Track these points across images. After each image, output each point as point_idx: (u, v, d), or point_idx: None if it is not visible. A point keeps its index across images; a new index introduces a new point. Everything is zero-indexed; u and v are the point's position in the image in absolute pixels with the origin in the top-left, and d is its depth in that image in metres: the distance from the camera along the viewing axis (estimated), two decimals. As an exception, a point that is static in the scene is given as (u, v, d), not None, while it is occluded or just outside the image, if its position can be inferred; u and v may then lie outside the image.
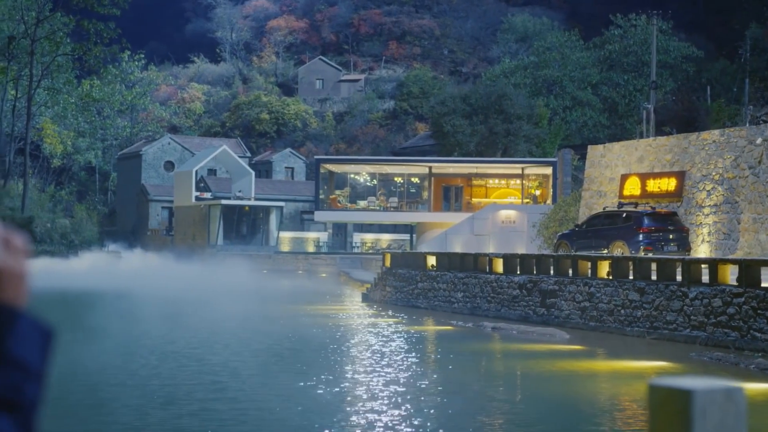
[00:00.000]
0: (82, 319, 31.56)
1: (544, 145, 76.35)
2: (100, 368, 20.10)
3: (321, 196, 67.68)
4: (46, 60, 77.54)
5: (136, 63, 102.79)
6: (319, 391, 17.85)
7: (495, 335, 29.42)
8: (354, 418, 15.55)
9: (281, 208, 76.62)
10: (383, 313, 35.95)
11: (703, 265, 26.14)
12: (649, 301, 26.92)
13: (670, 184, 39.07)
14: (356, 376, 20.31)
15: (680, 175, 38.69)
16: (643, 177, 40.47)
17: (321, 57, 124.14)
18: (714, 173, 37.22)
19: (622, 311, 27.76)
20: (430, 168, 67.25)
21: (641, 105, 63.41)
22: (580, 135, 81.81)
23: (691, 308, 25.48)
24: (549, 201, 60.63)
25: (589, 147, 46.24)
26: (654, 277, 27.20)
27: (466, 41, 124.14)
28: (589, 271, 29.61)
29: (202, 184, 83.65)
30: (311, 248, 73.06)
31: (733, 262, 25.38)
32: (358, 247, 73.74)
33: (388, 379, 19.76)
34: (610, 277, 28.61)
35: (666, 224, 34.51)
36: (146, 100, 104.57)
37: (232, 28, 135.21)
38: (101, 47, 79.90)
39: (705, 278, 25.68)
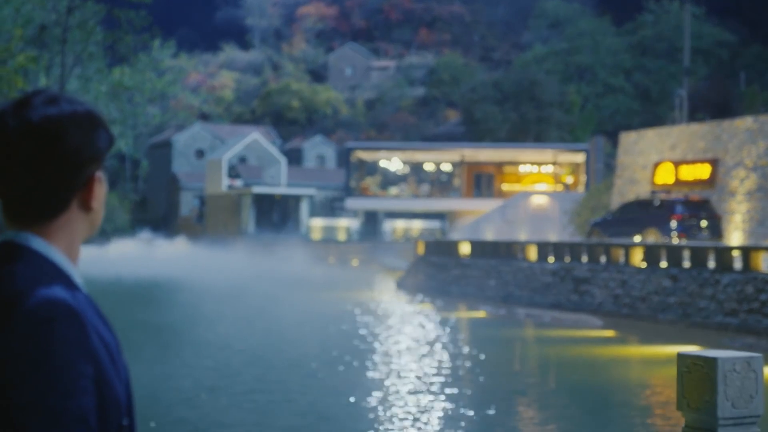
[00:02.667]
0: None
1: (576, 131, 76.18)
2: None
3: (352, 184, 67.90)
4: (78, 49, 78.10)
5: (167, 51, 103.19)
6: (366, 380, 18.10)
7: (528, 322, 29.59)
8: (393, 404, 15.78)
9: (312, 195, 76.88)
10: (417, 300, 36.16)
11: (735, 252, 26.15)
12: (682, 287, 26.96)
13: (703, 171, 38.97)
14: (398, 362, 20.55)
15: (713, 162, 38.57)
16: (676, 164, 40.39)
17: (351, 44, 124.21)
18: (747, 160, 37.10)
19: (655, 298, 27.81)
20: (462, 155, 67.33)
21: (674, 91, 63.16)
22: (613, 122, 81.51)
23: (724, 295, 25.51)
24: (581, 188, 60.56)
25: (622, 134, 46.16)
26: (687, 264, 27.23)
27: (497, 27, 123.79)
28: (622, 259, 29.66)
29: (234, 172, 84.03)
30: (342, 236, 73.28)
31: (766, 249, 25.38)
32: (389, 234, 73.90)
33: (425, 366, 19.98)
34: (643, 265, 28.66)
35: (699, 211, 34.45)
36: (176, 88, 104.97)
37: (262, 14, 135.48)
38: (132, 36, 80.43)
39: (738, 265, 25.69)
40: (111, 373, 2.06)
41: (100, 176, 2.19)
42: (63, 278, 2.08)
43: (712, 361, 3.87)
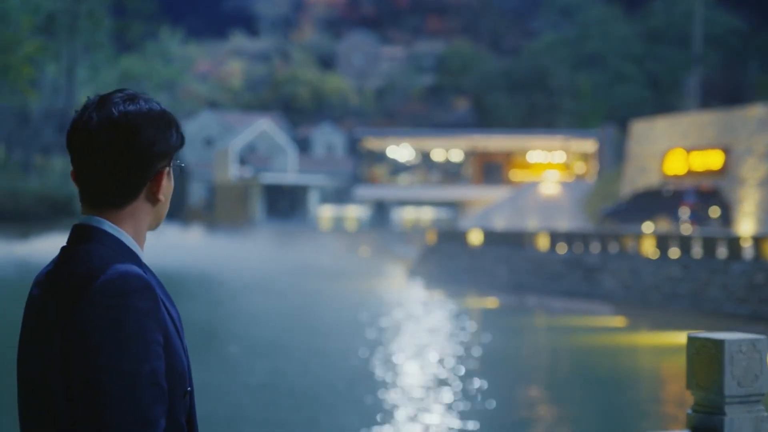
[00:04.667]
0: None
1: (587, 119, 76.03)
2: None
3: (361, 172, 67.91)
4: (86, 37, 78.15)
5: (175, 38, 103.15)
6: (377, 370, 18.14)
7: (539, 310, 29.64)
8: (403, 396, 15.84)
9: (322, 184, 76.93)
10: (429, 289, 36.20)
11: (746, 242, 26.11)
12: (693, 276, 26.92)
13: (714, 159, 38.88)
14: (411, 352, 20.63)
15: (724, 151, 38.47)
16: (687, 152, 40.30)
17: (360, 32, 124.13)
18: (759, 149, 36.99)
19: (666, 287, 27.78)
20: (472, 143, 67.27)
21: (685, 79, 62.96)
22: (623, 110, 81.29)
23: (735, 284, 25.46)
24: (592, 176, 60.49)
25: (633, 122, 46.07)
26: (697, 253, 27.20)
27: (507, 14, 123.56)
28: (633, 247, 29.64)
29: (242, 161, 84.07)
30: (351, 224, 73.35)
31: (778, 238, 25.35)
32: (398, 223, 73.94)
33: (437, 355, 20.04)
34: (654, 253, 28.63)
35: (709, 200, 34.43)
36: (186, 77, 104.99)
37: (270, 2, 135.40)
38: (140, 25, 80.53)
39: (748, 254, 25.66)
40: (177, 343, 2.28)
41: (169, 172, 2.42)
42: (134, 257, 2.30)
43: (720, 343, 4.20)
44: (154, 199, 2.38)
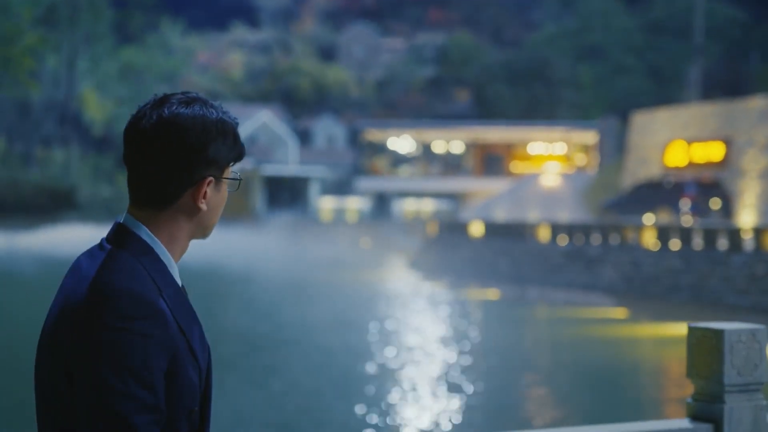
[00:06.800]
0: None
1: (588, 111, 75.96)
2: None
3: (362, 164, 67.90)
4: (87, 29, 78.11)
5: (176, 29, 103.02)
6: (379, 362, 18.21)
7: (540, 302, 29.67)
8: (401, 390, 15.89)
9: (323, 175, 76.92)
10: (430, 281, 36.18)
11: (747, 233, 26.14)
12: (694, 268, 26.95)
13: (714, 150, 38.89)
14: (411, 346, 20.69)
15: (725, 142, 38.47)
16: (688, 144, 40.31)
17: (361, 23, 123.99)
18: (759, 140, 36.99)
19: (667, 278, 27.82)
20: (473, 135, 67.25)
21: (686, 71, 62.91)
22: (624, 102, 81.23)
23: (736, 275, 25.50)
24: (593, 168, 60.48)
25: (634, 114, 46.07)
26: (698, 245, 27.23)
27: (508, 6, 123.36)
28: (634, 239, 29.68)
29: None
30: (352, 216, 73.30)
31: (779, 229, 25.38)
32: (399, 215, 73.89)
33: (437, 347, 20.07)
34: (655, 245, 28.66)
35: (710, 192, 34.47)
36: (188, 68, 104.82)
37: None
38: (141, 16, 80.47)
39: (749, 246, 25.69)
40: (188, 364, 2.24)
41: (219, 183, 2.34)
42: (162, 270, 2.27)
43: (720, 333, 4.27)
44: (194, 207, 2.32)
